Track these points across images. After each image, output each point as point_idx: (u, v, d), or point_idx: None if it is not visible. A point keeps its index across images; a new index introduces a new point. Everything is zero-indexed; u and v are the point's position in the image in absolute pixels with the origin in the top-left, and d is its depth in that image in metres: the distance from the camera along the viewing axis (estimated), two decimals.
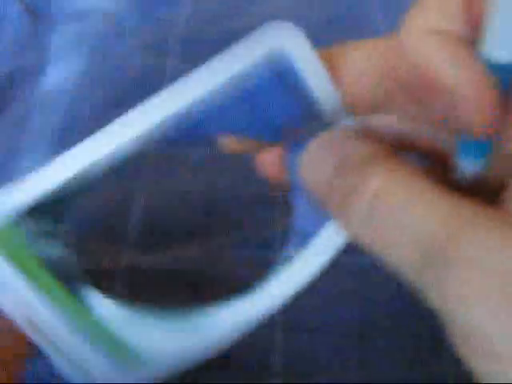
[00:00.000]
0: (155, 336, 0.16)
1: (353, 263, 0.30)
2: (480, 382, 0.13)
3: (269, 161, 0.20)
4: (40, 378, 0.27)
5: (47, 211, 0.16)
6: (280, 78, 0.16)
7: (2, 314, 0.15)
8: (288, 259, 0.17)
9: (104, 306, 0.16)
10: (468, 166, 0.16)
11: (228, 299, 0.17)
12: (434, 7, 0.16)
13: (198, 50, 0.43)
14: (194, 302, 0.22)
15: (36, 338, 0.15)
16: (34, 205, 0.16)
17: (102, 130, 0.15)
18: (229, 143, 0.18)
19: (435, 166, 0.18)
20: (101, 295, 0.17)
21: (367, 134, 0.16)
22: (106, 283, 0.30)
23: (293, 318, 0.29)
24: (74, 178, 0.15)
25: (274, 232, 0.31)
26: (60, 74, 0.42)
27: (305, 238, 0.17)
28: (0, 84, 0.41)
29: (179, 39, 0.43)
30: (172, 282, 0.30)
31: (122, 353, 0.16)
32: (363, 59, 0.17)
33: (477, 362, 0.12)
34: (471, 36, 0.15)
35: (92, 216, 0.32)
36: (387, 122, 0.18)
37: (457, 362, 0.15)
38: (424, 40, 0.15)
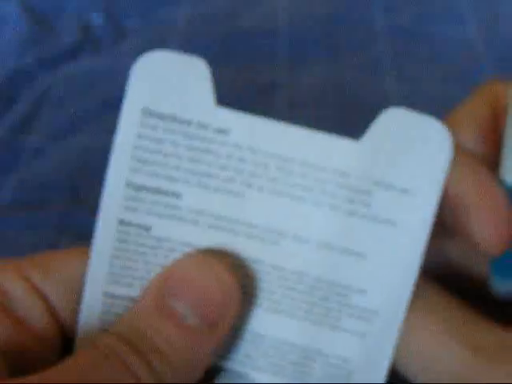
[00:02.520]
0: None
1: None
2: None
3: None
4: None
5: None
6: None
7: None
8: None
9: None
10: (501, 286, 0.17)
11: None
12: (463, 124, 0.18)
13: (198, 49, 0.43)
14: None
15: None
16: None
17: None
18: None
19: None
20: None
21: None
22: None
23: None
24: None
25: None
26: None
27: None
28: (0, 84, 0.41)
29: (179, 39, 0.43)
30: None
31: None
32: None
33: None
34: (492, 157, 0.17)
35: None
36: None
37: None
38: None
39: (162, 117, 0.16)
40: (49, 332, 0.17)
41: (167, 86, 0.16)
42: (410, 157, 0.16)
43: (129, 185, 0.16)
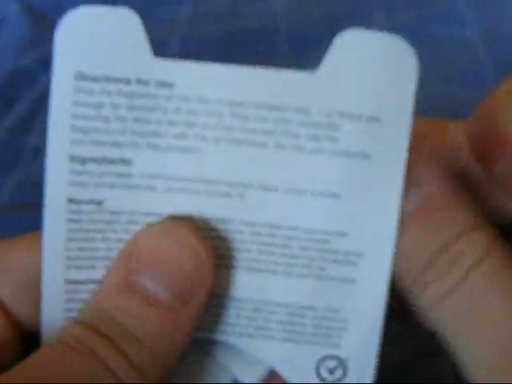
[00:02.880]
0: None
1: None
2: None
3: None
4: None
5: None
6: None
7: None
8: None
9: None
10: None
11: None
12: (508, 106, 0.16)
13: (198, 49, 0.43)
14: None
15: None
16: None
17: None
18: None
19: None
20: None
21: None
22: None
23: None
24: None
25: None
26: None
27: None
28: (0, 84, 0.41)
29: (179, 39, 0.43)
30: None
31: None
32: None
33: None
34: None
35: None
36: None
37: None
38: None
39: (96, 79, 0.15)
40: (4, 335, 0.16)
41: (98, 45, 0.15)
42: (373, 81, 0.14)
43: (72, 159, 0.15)
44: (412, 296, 0.15)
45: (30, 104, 0.40)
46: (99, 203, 0.15)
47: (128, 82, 0.15)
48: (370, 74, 0.14)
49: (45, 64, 0.43)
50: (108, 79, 0.15)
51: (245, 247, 0.16)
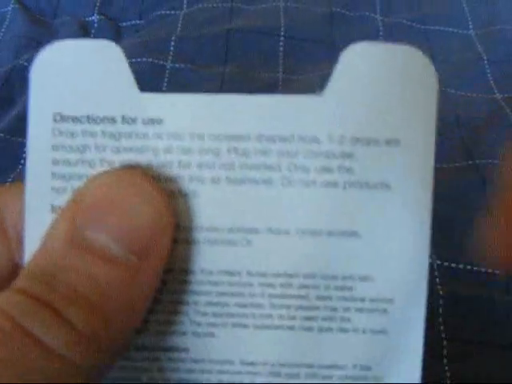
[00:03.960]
0: None
1: None
2: None
3: None
4: None
5: None
6: None
7: None
8: None
9: None
10: None
11: None
12: None
13: (197, 49, 0.43)
14: None
15: None
16: None
17: None
18: None
19: None
20: None
21: None
22: None
23: None
24: None
25: None
26: None
27: None
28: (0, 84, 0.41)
29: (178, 38, 0.43)
30: None
31: None
32: None
33: None
34: None
35: None
36: None
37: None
38: None
39: (77, 120, 0.13)
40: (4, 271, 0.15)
41: (77, 81, 0.13)
42: (389, 99, 0.13)
43: (54, 209, 0.14)
44: None
45: (27, 104, 0.40)
46: None
47: (113, 120, 0.13)
48: (385, 91, 0.13)
49: None
50: (91, 119, 0.13)
51: (255, 302, 0.14)
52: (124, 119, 0.13)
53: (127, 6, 0.48)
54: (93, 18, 0.46)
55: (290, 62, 0.43)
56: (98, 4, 0.47)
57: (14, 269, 0.15)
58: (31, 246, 0.13)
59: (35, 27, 0.45)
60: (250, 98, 0.13)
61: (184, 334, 0.14)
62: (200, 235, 0.14)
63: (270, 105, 0.13)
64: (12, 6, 0.46)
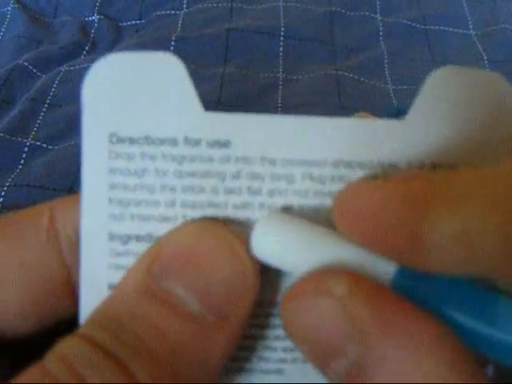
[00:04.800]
0: None
1: None
2: None
3: None
4: None
5: None
6: None
7: None
8: None
9: None
10: None
11: None
12: None
13: (197, 49, 0.43)
14: None
15: None
16: None
17: None
18: None
19: None
20: None
21: None
22: None
23: None
24: None
25: None
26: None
27: None
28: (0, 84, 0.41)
29: (178, 38, 0.43)
30: None
31: None
32: None
33: None
34: None
35: None
36: None
37: None
38: None
39: (135, 141, 0.12)
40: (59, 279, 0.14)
41: (135, 98, 0.12)
42: (471, 127, 0.12)
43: (112, 237, 0.13)
44: None
45: (27, 104, 0.40)
46: None
47: (175, 142, 0.12)
48: (468, 116, 0.12)
49: (42, 64, 0.43)
50: (150, 140, 0.12)
51: None
52: (187, 141, 0.12)
53: (127, 6, 0.48)
54: (93, 17, 0.46)
55: (289, 61, 0.43)
56: (98, 4, 0.47)
57: (68, 280, 0.14)
58: (87, 273, 0.13)
59: (35, 27, 0.45)
60: (327, 120, 0.12)
61: (251, 371, 0.13)
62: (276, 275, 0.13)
63: (349, 129, 0.12)
64: (12, 5, 0.46)
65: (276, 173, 0.12)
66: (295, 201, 0.12)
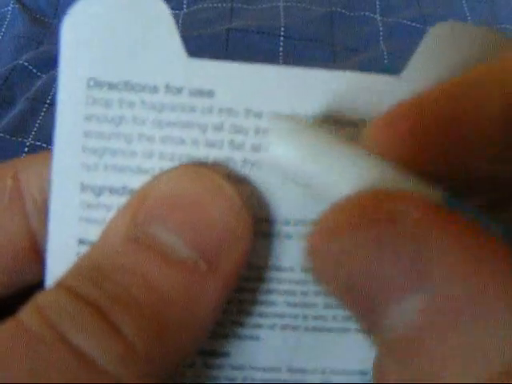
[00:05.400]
0: None
1: None
2: None
3: None
4: None
5: None
6: None
7: None
8: None
9: None
10: None
11: None
12: None
13: (197, 49, 0.43)
14: None
15: None
16: None
17: None
18: None
19: None
20: None
21: None
22: None
23: None
24: None
25: None
26: None
27: None
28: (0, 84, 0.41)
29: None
30: None
31: None
32: None
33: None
34: None
35: None
36: None
37: None
38: None
39: (114, 86, 0.12)
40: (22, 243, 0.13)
41: (115, 43, 0.11)
42: None
43: (84, 188, 0.12)
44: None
45: (27, 104, 0.40)
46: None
47: (155, 89, 0.11)
48: (462, 71, 0.11)
49: (42, 64, 0.43)
50: (130, 87, 0.12)
51: (308, 301, 0.12)
52: (168, 88, 0.11)
53: None
54: None
55: (289, 61, 0.43)
56: None
57: (33, 244, 0.13)
58: (56, 226, 0.12)
59: (35, 27, 0.45)
60: (319, 72, 0.11)
61: (225, 336, 0.12)
62: None
63: (341, 81, 0.11)
64: (12, 5, 0.46)
65: (261, 126, 0.11)
66: None
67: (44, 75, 0.42)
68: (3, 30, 0.45)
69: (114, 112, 0.12)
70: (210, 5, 0.47)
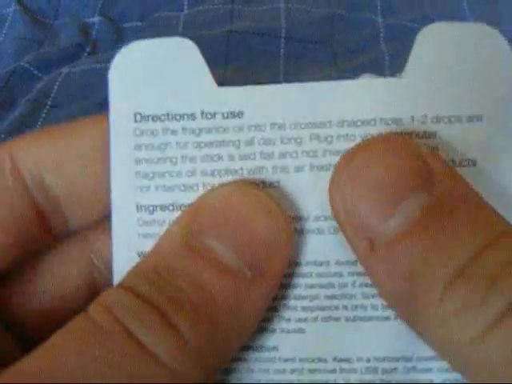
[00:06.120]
0: None
1: None
2: None
3: None
4: None
5: None
6: None
7: None
8: None
9: None
10: None
11: None
12: None
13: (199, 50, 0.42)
14: None
15: None
16: None
17: None
18: None
19: None
20: None
21: None
22: None
23: None
24: None
25: None
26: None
27: None
28: (0, 84, 0.41)
29: None
30: None
31: None
32: None
33: None
34: None
35: None
36: None
37: None
38: None
39: (158, 118, 0.14)
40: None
41: (155, 80, 0.14)
42: (467, 78, 0.13)
43: (140, 208, 0.14)
44: (420, 330, 0.12)
45: (28, 105, 0.40)
46: None
47: (193, 116, 0.13)
48: (463, 69, 0.13)
49: (43, 65, 0.43)
50: (171, 117, 0.14)
51: (346, 293, 0.13)
52: (203, 114, 0.14)
53: (128, 8, 0.48)
54: (94, 19, 0.46)
55: (290, 63, 0.43)
56: (99, 5, 0.47)
57: (39, 213, 0.15)
58: (119, 243, 0.14)
59: (36, 29, 0.45)
60: (329, 84, 0.13)
61: (272, 331, 0.14)
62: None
63: (350, 90, 0.13)
64: (13, 7, 0.46)
65: (285, 136, 0.13)
66: (305, 161, 0.13)
67: (45, 77, 0.42)
68: (4, 31, 0.45)
69: (159, 139, 0.14)
70: (211, 6, 0.47)
